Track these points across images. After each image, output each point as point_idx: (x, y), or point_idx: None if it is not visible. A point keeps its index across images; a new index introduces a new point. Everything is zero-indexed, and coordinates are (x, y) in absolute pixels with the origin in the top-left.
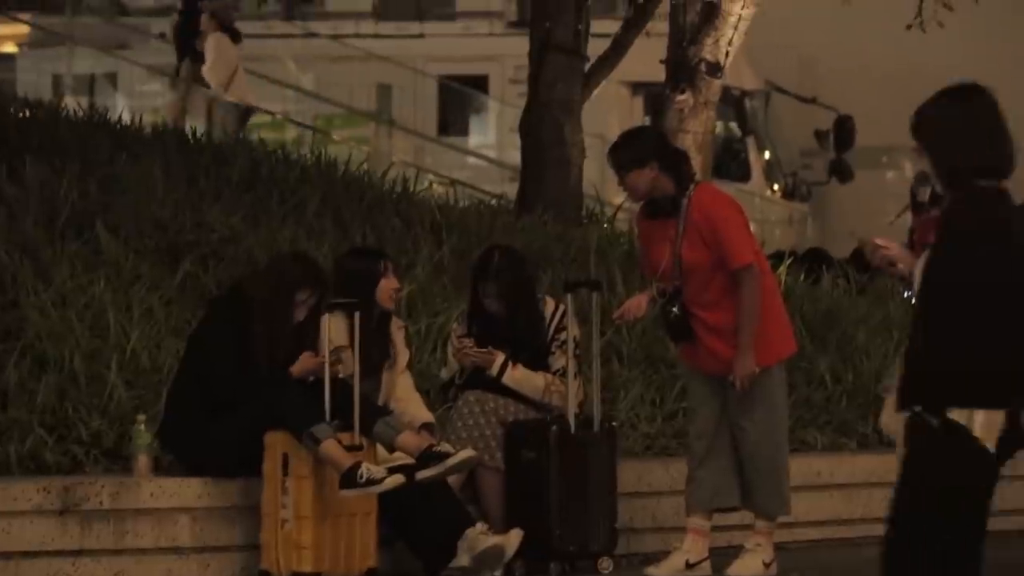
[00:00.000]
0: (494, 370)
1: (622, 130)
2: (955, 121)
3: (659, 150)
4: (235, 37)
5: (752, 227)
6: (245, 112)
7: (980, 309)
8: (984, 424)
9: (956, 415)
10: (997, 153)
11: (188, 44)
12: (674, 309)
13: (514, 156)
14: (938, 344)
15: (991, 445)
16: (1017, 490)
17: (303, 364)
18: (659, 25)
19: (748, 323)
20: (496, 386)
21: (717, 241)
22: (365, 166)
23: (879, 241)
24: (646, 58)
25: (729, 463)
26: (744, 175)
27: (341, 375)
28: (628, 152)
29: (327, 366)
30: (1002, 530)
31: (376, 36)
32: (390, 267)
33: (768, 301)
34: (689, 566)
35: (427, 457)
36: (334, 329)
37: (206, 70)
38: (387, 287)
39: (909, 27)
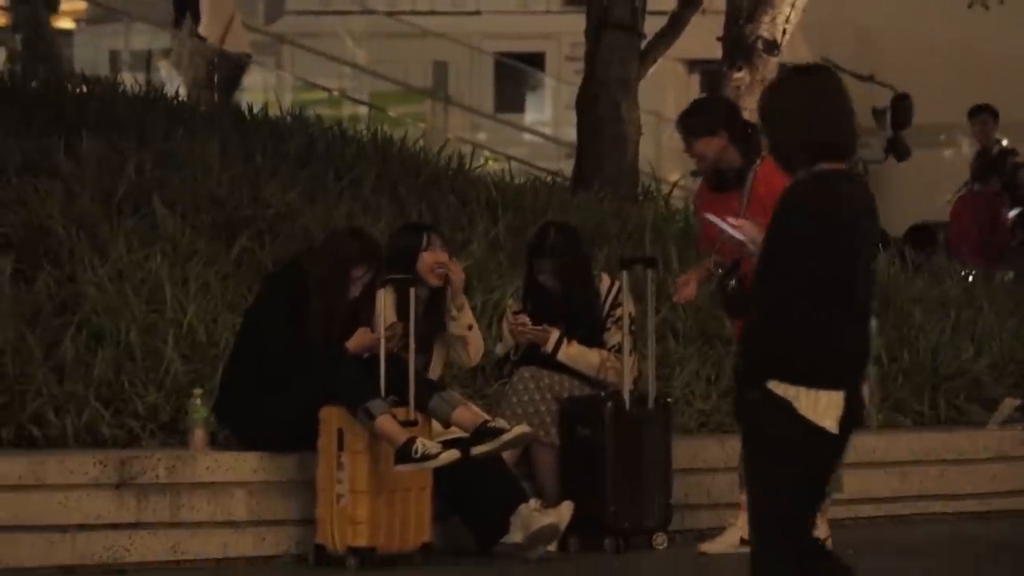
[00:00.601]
0: (549, 346)
1: (678, 108)
2: (798, 101)
3: (730, 120)
4: None
5: None
6: (239, 63)
7: (812, 291)
8: (814, 403)
9: (777, 388)
10: (840, 132)
11: (186, 2)
12: (731, 283)
13: (570, 133)
14: (772, 321)
15: (830, 425)
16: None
17: (359, 340)
18: (716, 2)
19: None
20: (551, 362)
21: None
22: (421, 143)
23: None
24: (703, 35)
25: None
26: None
27: (395, 351)
28: (699, 119)
29: (383, 342)
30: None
31: (432, 13)
32: (436, 240)
33: None
34: (744, 542)
35: (482, 432)
36: (388, 305)
37: (202, 27)
38: (428, 260)
39: (970, 5)
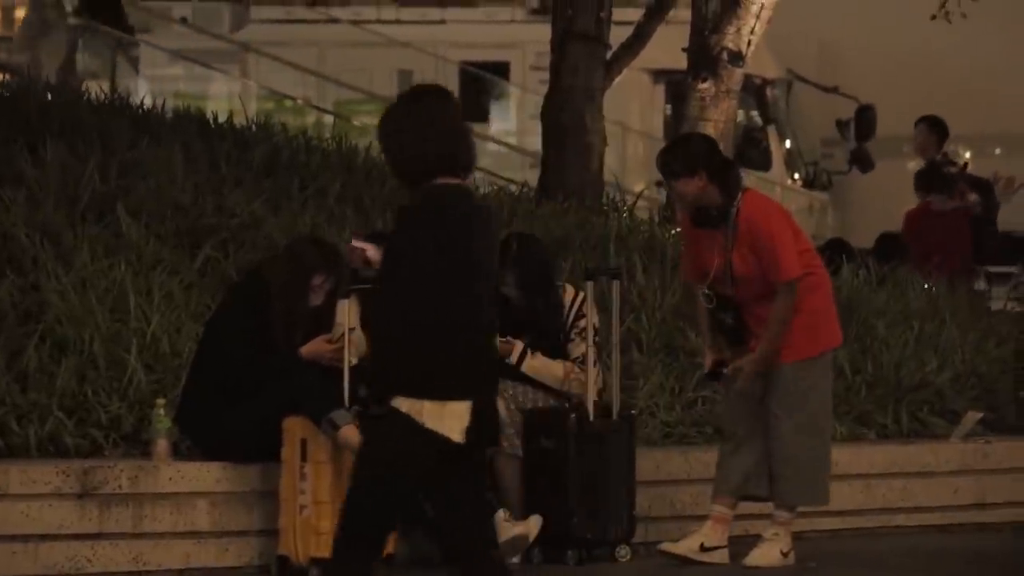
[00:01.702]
0: (513, 358)
1: (643, 118)
2: (412, 122)
3: (709, 158)
4: None
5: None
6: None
7: (430, 304)
8: (439, 414)
9: (403, 404)
10: (453, 151)
11: None
12: (728, 318)
13: (535, 143)
14: (391, 335)
15: (455, 435)
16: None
17: (314, 347)
18: (681, 13)
19: (774, 333)
20: (515, 374)
21: (765, 252)
22: None
23: (356, 243)
24: (668, 46)
25: (763, 452)
26: (765, 164)
27: (355, 359)
28: (678, 159)
29: (347, 352)
30: (991, 522)
31: (397, 22)
32: None
33: (819, 294)
34: (704, 549)
35: None
36: (352, 314)
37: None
38: None
39: (934, 17)
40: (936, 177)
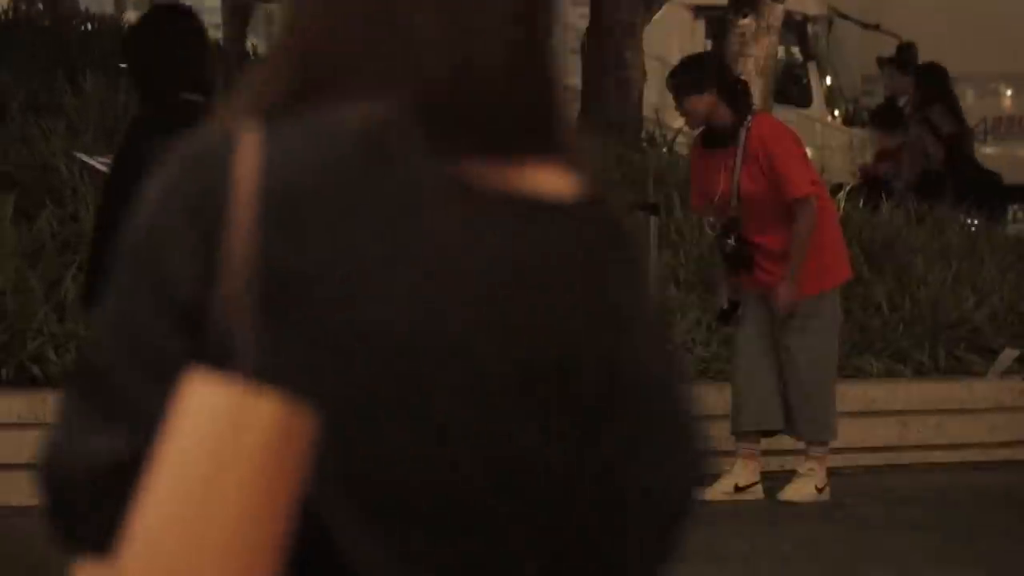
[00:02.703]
0: None
1: (683, 54)
2: (156, 42)
3: (719, 77)
4: None
5: (811, 153)
6: None
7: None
8: None
9: None
10: (198, 70)
11: None
12: (730, 240)
13: (575, 79)
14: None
15: None
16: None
17: None
18: None
19: (798, 253)
20: None
21: (774, 173)
22: None
23: None
24: None
25: (774, 386)
26: (805, 100)
27: None
28: (687, 77)
29: None
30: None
31: None
32: None
33: (825, 228)
34: (738, 489)
35: None
36: None
37: None
38: None
39: None
40: (889, 114)
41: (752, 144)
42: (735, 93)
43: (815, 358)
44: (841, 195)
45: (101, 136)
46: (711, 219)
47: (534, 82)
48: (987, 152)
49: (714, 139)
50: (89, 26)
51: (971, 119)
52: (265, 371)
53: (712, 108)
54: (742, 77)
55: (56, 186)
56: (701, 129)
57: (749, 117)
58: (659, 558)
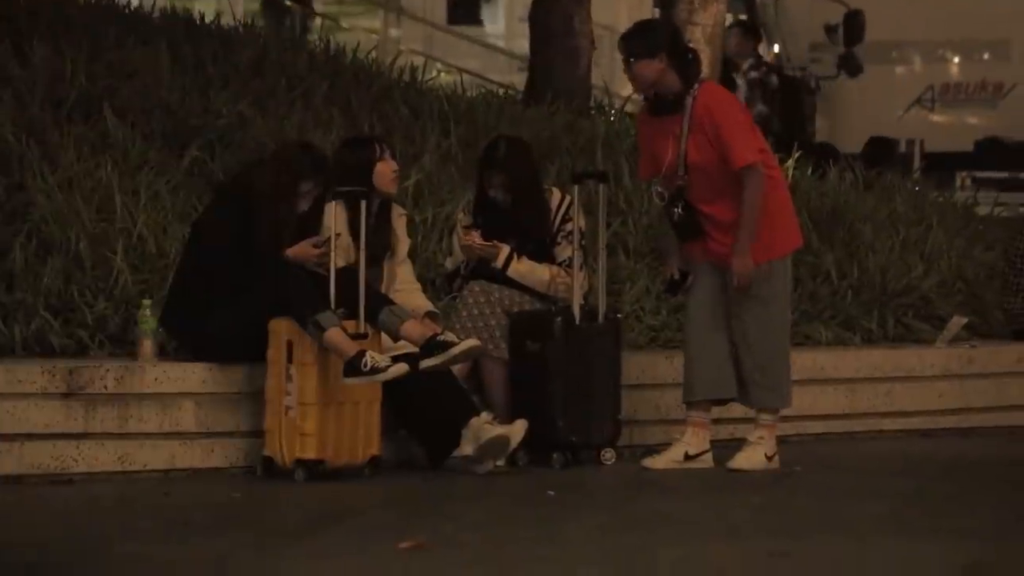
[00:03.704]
0: (500, 262)
1: (631, 22)
2: None
3: (671, 44)
4: None
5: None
6: None
7: None
8: None
9: None
10: None
11: None
12: (677, 209)
13: (523, 46)
14: None
15: None
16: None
17: (301, 250)
18: None
19: (748, 222)
20: (501, 277)
21: (720, 140)
22: (374, 54)
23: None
24: None
25: (726, 355)
26: None
27: (341, 263)
28: (639, 41)
29: (332, 254)
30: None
31: None
32: (387, 151)
33: (775, 195)
34: (688, 458)
35: (431, 346)
36: (340, 217)
37: None
38: (385, 170)
39: None
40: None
41: (698, 112)
42: (685, 61)
43: (768, 327)
44: (789, 163)
45: (49, 105)
46: (659, 188)
47: None
48: (934, 119)
49: (661, 106)
50: None
51: (918, 86)
52: None
53: (661, 74)
54: (691, 45)
55: (3, 155)
56: (648, 96)
57: (696, 85)
58: None
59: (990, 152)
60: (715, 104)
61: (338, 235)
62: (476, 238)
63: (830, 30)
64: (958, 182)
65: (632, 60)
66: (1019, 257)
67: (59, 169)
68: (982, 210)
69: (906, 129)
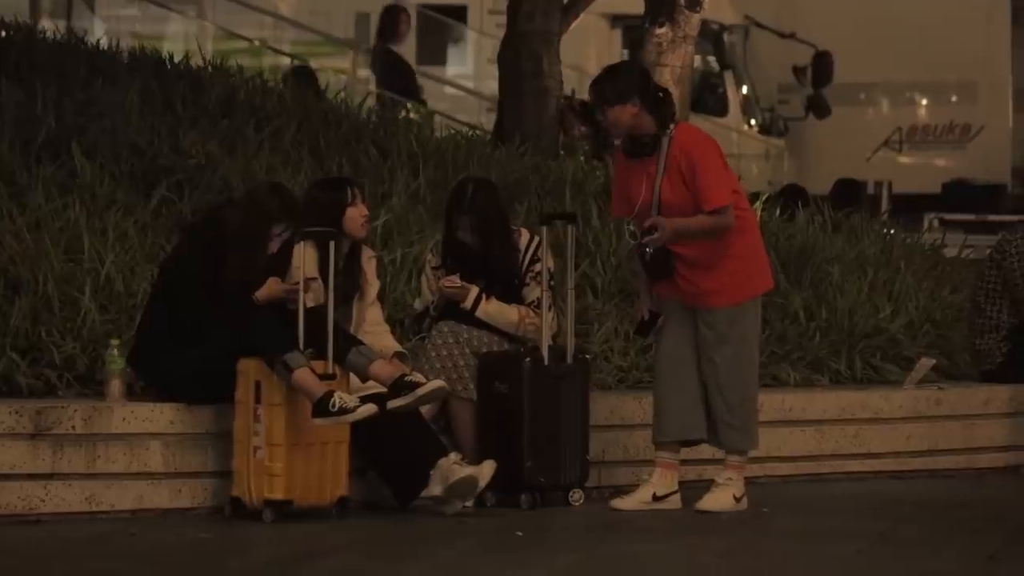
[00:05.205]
0: (468, 303)
1: (600, 63)
2: None
3: (643, 87)
4: None
5: (729, 162)
6: None
7: None
8: None
9: None
10: None
11: None
12: (648, 249)
13: (492, 87)
14: None
15: None
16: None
17: (269, 289)
18: None
19: (694, 224)
20: (470, 318)
21: (695, 181)
22: (342, 95)
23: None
24: None
25: (697, 396)
26: (721, 110)
27: (311, 304)
28: (611, 86)
29: (301, 294)
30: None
31: None
32: (358, 195)
33: (746, 238)
34: (657, 499)
35: (398, 386)
36: (309, 258)
37: None
38: (355, 215)
39: None
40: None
41: (673, 153)
42: (658, 103)
43: (738, 368)
44: (758, 204)
45: (17, 145)
46: (631, 227)
47: None
48: (902, 161)
49: (636, 148)
50: (3, 33)
51: (886, 128)
52: None
53: (635, 117)
54: (663, 87)
55: None
56: (623, 139)
57: (671, 126)
58: None
59: (958, 194)
60: (692, 145)
61: (315, 279)
62: (455, 281)
63: (799, 71)
64: (926, 224)
65: (606, 106)
66: (984, 296)
67: (27, 209)
68: (950, 252)
69: (874, 171)
